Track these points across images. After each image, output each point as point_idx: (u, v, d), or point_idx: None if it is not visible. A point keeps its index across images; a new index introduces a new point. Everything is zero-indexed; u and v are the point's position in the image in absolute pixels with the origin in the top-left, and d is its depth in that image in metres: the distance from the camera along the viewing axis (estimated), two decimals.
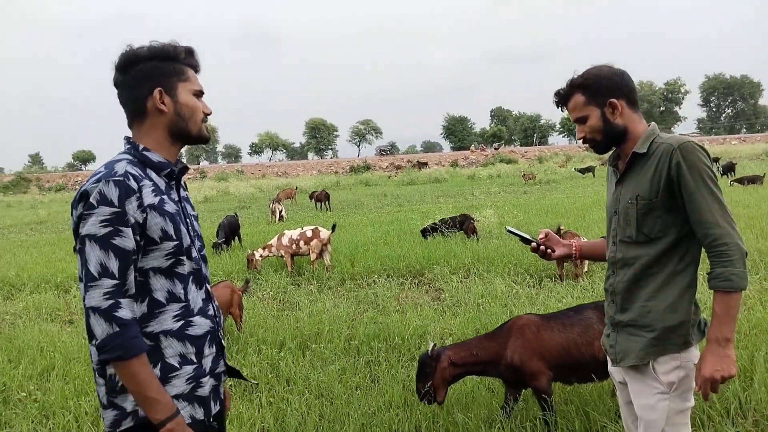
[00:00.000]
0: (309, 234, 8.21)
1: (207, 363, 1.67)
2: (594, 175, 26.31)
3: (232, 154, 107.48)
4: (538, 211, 13.47)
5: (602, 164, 35.66)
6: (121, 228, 1.47)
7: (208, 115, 1.75)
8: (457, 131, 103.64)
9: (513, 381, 3.30)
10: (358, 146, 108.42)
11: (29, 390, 4.16)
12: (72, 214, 1.54)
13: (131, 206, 1.49)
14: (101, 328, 1.43)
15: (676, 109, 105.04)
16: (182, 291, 1.62)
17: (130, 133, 1.69)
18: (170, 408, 1.50)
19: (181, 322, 1.61)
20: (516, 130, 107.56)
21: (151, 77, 1.63)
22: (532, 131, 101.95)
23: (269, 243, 8.47)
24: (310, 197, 19.43)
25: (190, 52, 1.71)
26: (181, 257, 1.61)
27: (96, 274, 1.45)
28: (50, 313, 6.86)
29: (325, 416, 3.63)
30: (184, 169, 1.75)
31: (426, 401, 3.24)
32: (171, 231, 1.58)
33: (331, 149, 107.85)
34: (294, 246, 8.22)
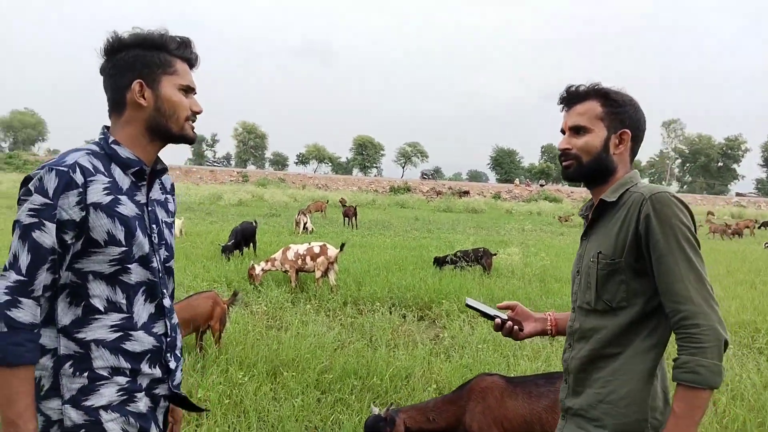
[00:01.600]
0: (317, 250, 7.86)
1: (143, 381, 1.52)
2: None
3: (279, 162, 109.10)
4: (569, 255, 12.78)
5: None
6: (45, 222, 1.35)
7: (198, 113, 1.62)
8: (504, 163, 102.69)
9: None
10: (403, 167, 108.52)
11: None
12: None
13: (67, 201, 1.37)
14: None
15: (735, 166, 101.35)
16: (124, 301, 1.47)
17: (109, 123, 1.57)
18: None
19: (119, 334, 1.47)
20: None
21: (132, 67, 1.51)
22: None
23: (273, 257, 8.13)
24: (344, 213, 19.19)
25: (184, 43, 1.58)
26: (129, 265, 1.47)
27: (7, 264, 1.35)
28: None
29: None
30: (161, 171, 1.63)
31: None
32: (120, 236, 1.44)
33: (376, 167, 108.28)
34: (300, 261, 7.87)
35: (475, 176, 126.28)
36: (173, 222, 1.71)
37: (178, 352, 1.63)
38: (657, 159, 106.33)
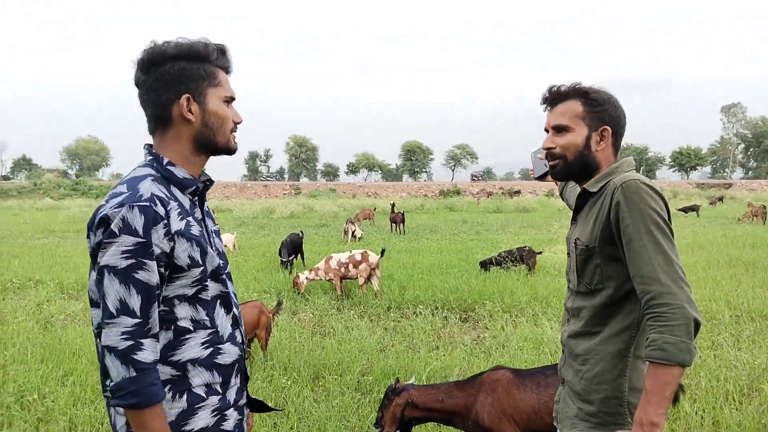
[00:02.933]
0: (358, 258, 8.07)
1: (231, 394, 1.55)
2: (698, 215, 24.22)
3: (331, 173, 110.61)
4: None
5: (711, 203, 32.95)
6: (145, 261, 1.33)
7: (239, 124, 1.59)
8: None
9: None
10: (453, 170, 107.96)
11: (43, 392, 4.27)
12: (89, 238, 1.40)
13: (157, 235, 1.35)
14: (117, 370, 1.32)
15: None
16: (206, 317, 1.49)
17: (150, 140, 1.55)
18: None
19: (210, 349, 1.49)
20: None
21: (178, 81, 1.46)
22: (638, 164, 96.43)
23: (316, 266, 8.40)
24: (391, 219, 19.35)
25: (222, 51, 1.54)
26: (206, 282, 1.47)
27: (114, 311, 1.32)
28: None
29: None
30: (209, 184, 1.61)
31: (378, 430, 3.07)
32: (198, 256, 1.44)
33: (426, 172, 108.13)
34: (342, 269, 8.10)
35: (528, 175, 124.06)
36: (218, 229, 1.72)
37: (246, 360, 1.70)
38: (718, 146, 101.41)
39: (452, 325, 6.66)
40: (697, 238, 14.68)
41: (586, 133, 1.73)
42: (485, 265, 9.76)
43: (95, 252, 1.38)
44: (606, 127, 1.73)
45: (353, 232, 15.32)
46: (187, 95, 1.47)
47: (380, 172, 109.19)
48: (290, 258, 9.93)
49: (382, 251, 8.40)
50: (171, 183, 1.49)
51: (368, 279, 8.12)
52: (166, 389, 1.44)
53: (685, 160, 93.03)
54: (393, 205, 20.17)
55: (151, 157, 1.50)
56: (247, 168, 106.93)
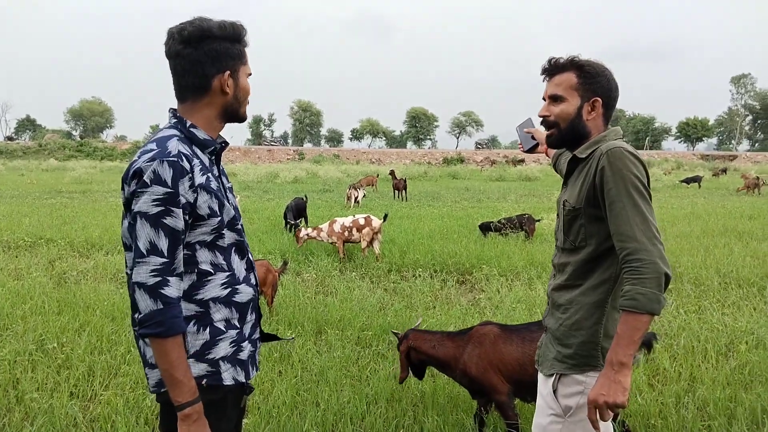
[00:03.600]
0: (361, 222, 8.32)
1: (247, 329, 1.76)
2: (699, 186, 24.31)
3: (335, 139, 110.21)
4: None
5: (714, 175, 32.94)
6: (172, 208, 1.52)
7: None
8: None
9: (471, 390, 3.19)
10: (457, 138, 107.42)
11: (62, 342, 4.55)
12: (123, 189, 1.59)
13: (183, 187, 1.54)
14: (145, 303, 1.50)
15: None
16: (224, 261, 1.69)
17: (175, 105, 1.72)
18: (193, 393, 1.55)
19: (229, 289, 1.69)
20: (627, 131, 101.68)
21: (223, 58, 1.66)
22: (644, 134, 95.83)
23: (320, 226, 8.70)
24: (394, 186, 19.51)
25: (246, 32, 1.74)
26: (222, 231, 1.67)
27: (144, 251, 1.50)
28: (114, 273, 7.44)
29: (308, 399, 3.68)
30: (225, 145, 1.81)
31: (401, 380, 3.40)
32: (216, 207, 1.64)
33: (430, 139, 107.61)
34: (346, 233, 8.36)
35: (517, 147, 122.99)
36: (231, 186, 1.90)
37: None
38: (726, 117, 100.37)
39: (450, 288, 6.92)
40: (696, 208, 14.87)
41: (578, 103, 1.87)
42: (484, 228, 9.98)
43: (129, 201, 1.56)
44: (597, 98, 1.87)
45: (356, 198, 15.51)
46: (228, 71, 1.68)
47: (384, 138, 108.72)
48: (296, 222, 10.17)
49: (385, 216, 8.63)
50: (193, 143, 1.68)
51: (370, 243, 8.35)
52: (192, 324, 1.64)
53: (691, 131, 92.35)
54: (392, 172, 20.30)
55: (175, 120, 1.69)
56: (251, 132, 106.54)
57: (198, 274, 1.65)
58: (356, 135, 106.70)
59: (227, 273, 1.70)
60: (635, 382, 3.82)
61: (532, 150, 2.44)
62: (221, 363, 1.69)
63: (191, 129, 1.68)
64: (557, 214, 2.02)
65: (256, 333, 1.86)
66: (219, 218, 1.66)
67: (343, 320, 5.25)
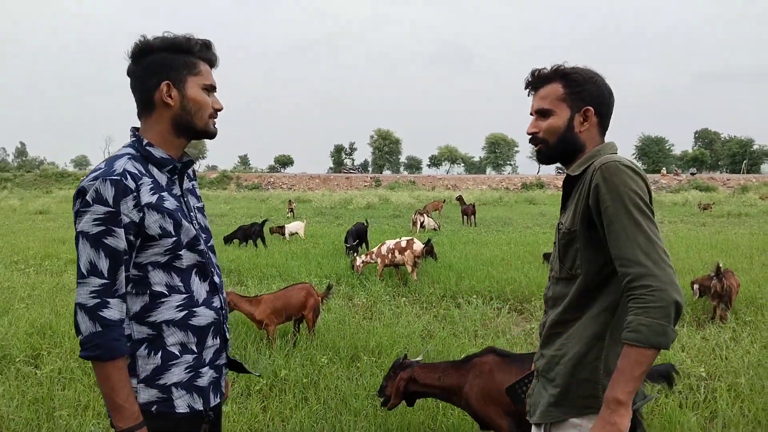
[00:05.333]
0: (403, 245, 8.31)
1: (208, 354, 1.70)
2: None
3: (413, 165, 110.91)
4: (703, 245, 11.73)
5: None
6: (114, 228, 1.48)
7: (219, 110, 1.74)
8: (652, 153, 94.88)
9: (475, 420, 3.00)
10: (539, 163, 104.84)
11: None
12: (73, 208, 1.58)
13: (126, 206, 1.50)
14: (85, 325, 1.48)
15: None
16: (180, 283, 1.63)
17: (138, 123, 1.71)
18: (135, 418, 1.52)
19: (184, 312, 1.63)
20: (723, 155, 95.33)
21: (160, 69, 1.62)
22: (741, 157, 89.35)
23: (372, 250, 8.74)
24: (462, 211, 19.21)
25: (206, 45, 1.69)
26: (179, 252, 1.62)
27: (85, 272, 1.48)
28: None
29: (325, 427, 3.54)
30: (188, 164, 1.75)
31: (381, 400, 3.27)
32: (170, 227, 1.59)
33: (510, 165, 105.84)
34: (390, 255, 8.33)
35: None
36: (203, 206, 1.87)
37: (227, 324, 1.82)
38: None
39: (504, 316, 6.58)
40: None
41: (568, 115, 1.70)
42: (549, 257, 9.51)
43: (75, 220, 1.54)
44: (588, 107, 1.69)
45: (422, 223, 15.37)
46: (167, 82, 1.61)
47: (463, 164, 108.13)
48: (353, 244, 10.18)
49: (428, 242, 8.53)
50: (149, 162, 1.63)
51: (415, 266, 8.26)
52: (143, 347, 1.59)
53: None
54: (460, 198, 19.99)
55: (134, 139, 1.66)
56: (332, 161, 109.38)
57: (151, 296, 1.60)
58: (434, 162, 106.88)
59: (184, 295, 1.64)
60: (688, 427, 3.39)
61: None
62: (173, 389, 1.62)
63: (147, 147, 1.63)
64: (554, 242, 1.81)
65: (221, 358, 1.78)
66: (174, 239, 1.60)
67: (380, 347, 5.09)
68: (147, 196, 1.55)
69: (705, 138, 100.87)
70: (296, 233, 13.54)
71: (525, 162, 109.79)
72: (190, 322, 1.64)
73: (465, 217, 18.27)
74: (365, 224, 11.85)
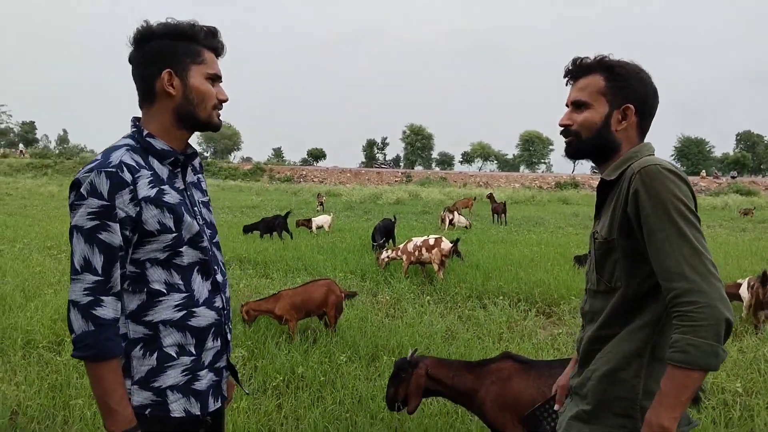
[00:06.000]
0: (431, 242, 8.17)
1: (207, 356, 1.63)
2: None
3: (445, 162, 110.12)
4: (743, 252, 11.28)
5: None
6: (108, 222, 1.42)
7: (224, 101, 1.66)
8: (691, 154, 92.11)
9: (487, 426, 2.89)
10: (574, 162, 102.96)
11: None
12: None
13: (122, 200, 1.43)
14: (78, 323, 1.42)
15: None
16: (181, 282, 1.56)
17: (140, 113, 1.64)
18: (129, 421, 1.45)
19: (183, 312, 1.57)
20: (765, 158, 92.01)
21: (162, 57, 1.54)
22: None
23: (398, 247, 8.71)
24: (493, 210, 18.93)
25: (212, 33, 1.62)
26: (180, 249, 1.55)
27: (79, 268, 1.42)
28: None
29: (340, 427, 3.45)
30: (192, 156, 1.69)
31: (396, 409, 3.06)
32: (170, 223, 1.52)
33: (545, 163, 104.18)
34: (417, 252, 8.23)
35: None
36: (209, 200, 1.79)
37: (230, 325, 1.74)
38: None
39: (530, 319, 6.40)
40: None
41: (606, 111, 1.58)
42: (581, 260, 9.25)
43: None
44: (629, 105, 1.57)
45: (451, 220, 15.19)
46: (168, 70, 1.54)
47: (496, 161, 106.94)
48: (381, 241, 10.08)
49: (456, 240, 8.39)
50: (149, 153, 1.55)
51: (442, 265, 8.13)
52: (138, 347, 1.53)
53: None
54: (491, 195, 19.70)
55: (134, 129, 1.59)
56: (364, 155, 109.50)
57: (148, 294, 1.53)
58: (467, 158, 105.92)
59: (183, 294, 1.57)
60: None
61: None
62: (169, 392, 1.55)
63: (147, 138, 1.56)
64: (589, 252, 1.68)
65: (222, 361, 1.70)
66: (174, 235, 1.53)
67: (400, 346, 4.98)
68: (145, 190, 1.48)
69: (747, 140, 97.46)
70: (322, 227, 13.52)
71: (560, 161, 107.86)
72: (189, 322, 1.57)
73: (495, 215, 18.00)
74: (393, 220, 11.75)
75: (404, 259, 8.37)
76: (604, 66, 1.59)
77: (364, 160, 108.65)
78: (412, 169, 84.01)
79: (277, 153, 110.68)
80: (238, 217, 17.57)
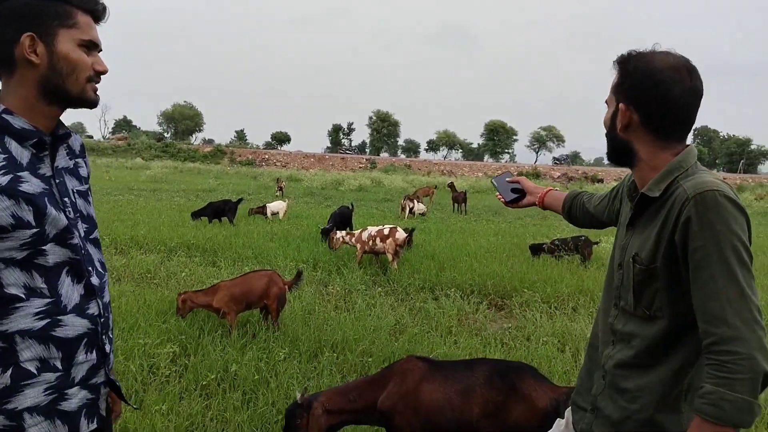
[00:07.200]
0: (386, 232, 7.98)
1: (79, 372, 1.41)
2: None
3: (411, 149, 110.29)
4: None
5: None
6: None
7: (102, 73, 1.43)
8: None
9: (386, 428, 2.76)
10: (537, 153, 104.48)
11: None
12: None
13: None
14: None
15: None
16: (45, 285, 1.34)
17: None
18: None
19: (46, 321, 1.34)
20: (720, 153, 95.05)
21: (22, 18, 1.30)
22: (738, 156, 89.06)
23: (353, 232, 8.47)
24: (453, 199, 18.88)
25: None
26: (43, 247, 1.32)
27: None
28: (142, 273, 7.34)
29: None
30: (63, 137, 1.45)
31: None
32: (28, 217, 1.28)
33: (508, 153, 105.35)
34: (370, 242, 8.03)
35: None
36: (88, 188, 1.56)
37: (111, 334, 1.54)
38: None
39: (482, 312, 6.28)
40: None
41: (613, 109, 1.49)
42: (535, 249, 9.22)
43: None
44: (627, 104, 1.44)
45: (411, 209, 15.04)
46: (30, 34, 1.30)
47: (461, 150, 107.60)
48: (328, 227, 9.84)
49: (411, 230, 8.23)
50: (6, 134, 1.31)
51: (396, 255, 7.94)
52: None
53: None
54: (452, 185, 19.68)
55: None
56: (329, 140, 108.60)
57: (2, 300, 1.29)
58: (432, 146, 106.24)
59: (47, 300, 1.34)
60: None
61: (515, 202, 2.12)
62: (26, 415, 1.32)
63: (4, 115, 1.31)
64: (619, 264, 1.53)
65: (98, 376, 1.48)
66: (34, 230, 1.29)
67: (344, 341, 4.77)
68: None
69: (704, 135, 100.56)
70: (277, 213, 13.14)
71: (523, 151, 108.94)
72: (54, 333, 1.34)
73: (456, 204, 17.94)
74: (350, 208, 11.51)
75: (358, 248, 8.16)
76: (620, 60, 1.47)
77: (329, 145, 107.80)
78: (378, 155, 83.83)
79: (240, 135, 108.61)
80: (192, 201, 17.01)
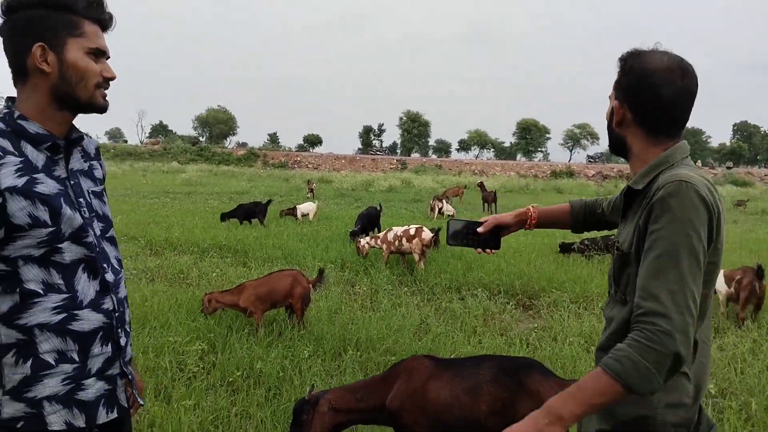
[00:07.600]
0: (412, 232, 7.98)
1: (95, 364, 1.49)
2: None
3: (442, 149, 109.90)
4: (732, 245, 11.12)
5: None
6: None
7: (110, 79, 1.51)
8: (689, 144, 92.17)
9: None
10: (571, 151, 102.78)
11: None
12: None
13: None
14: None
15: None
16: (61, 281, 1.42)
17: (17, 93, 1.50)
18: None
19: (63, 315, 1.42)
20: (762, 149, 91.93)
21: (33, 29, 1.38)
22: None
23: (378, 235, 8.48)
24: (483, 198, 18.76)
25: (94, 2, 1.46)
26: (59, 245, 1.41)
27: None
28: (175, 273, 7.54)
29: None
30: (77, 141, 1.54)
31: None
32: (44, 216, 1.37)
33: (541, 152, 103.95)
34: (396, 242, 8.04)
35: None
36: (103, 189, 1.65)
37: (127, 327, 1.62)
38: None
39: (509, 312, 6.24)
40: None
41: (611, 106, 1.55)
42: (565, 248, 9.12)
43: None
44: (622, 103, 1.49)
45: (440, 209, 15.00)
46: (41, 44, 1.39)
47: (493, 149, 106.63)
48: (356, 229, 9.89)
49: (437, 230, 8.16)
50: (22, 138, 1.40)
51: (422, 255, 7.95)
52: (10, 354, 1.39)
53: None
54: (481, 184, 19.53)
55: (6, 111, 1.44)
56: (360, 142, 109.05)
57: (22, 295, 1.37)
58: (463, 146, 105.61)
59: (64, 295, 1.42)
60: None
61: (492, 244, 1.84)
62: (45, 403, 1.40)
63: (19, 121, 1.41)
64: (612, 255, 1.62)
65: (114, 368, 1.55)
66: (51, 229, 1.38)
67: (368, 340, 4.82)
68: (10, 179, 1.32)
69: (744, 131, 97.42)
70: (307, 215, 13.29)
71: (557, 149, 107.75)
72: (70, 326, 1.43)
73: (486, 204, 17.84)
74: (378, 208, 11.54)
75: (384, 249, 8.18)
76: (621, 59, 1.52)
77: (360, 146, 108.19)
78: (409, 156, 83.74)
79: (273, 138, 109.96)
80: (225, 203, 17.31)
